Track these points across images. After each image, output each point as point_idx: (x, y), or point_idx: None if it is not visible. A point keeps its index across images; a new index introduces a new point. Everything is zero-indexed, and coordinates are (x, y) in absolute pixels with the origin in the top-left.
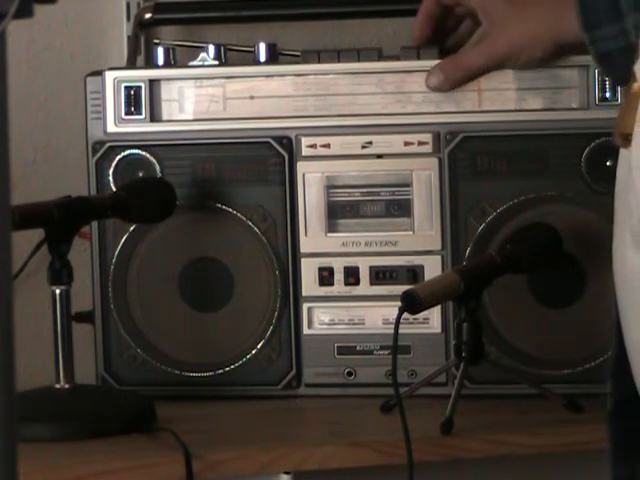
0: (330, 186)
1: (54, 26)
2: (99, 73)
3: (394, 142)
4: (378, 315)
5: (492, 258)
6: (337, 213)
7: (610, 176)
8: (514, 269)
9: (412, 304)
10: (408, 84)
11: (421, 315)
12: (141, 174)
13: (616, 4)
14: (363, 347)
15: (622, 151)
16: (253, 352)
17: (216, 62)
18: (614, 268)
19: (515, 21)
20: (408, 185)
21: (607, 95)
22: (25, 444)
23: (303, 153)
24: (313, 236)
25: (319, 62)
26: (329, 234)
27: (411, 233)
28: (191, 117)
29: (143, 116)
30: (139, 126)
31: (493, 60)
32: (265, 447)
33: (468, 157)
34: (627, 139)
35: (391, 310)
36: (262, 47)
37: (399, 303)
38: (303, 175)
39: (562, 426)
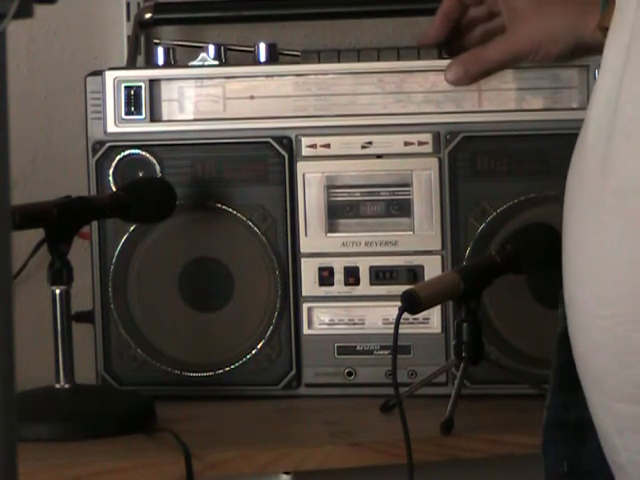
0: (330, 186)
1: (54, 26)
2: (99, 73)
3: (394, 142)
4: (378, 315)
5: (492, 258)
6: (337, 213)
7: None
8: (514, 269)
9: (412, 304)
10: (408, 84)
11: (421, 315)
12: (141, 174)
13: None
14: (363, 347)
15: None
16: (253, 352)
17: (216, 62)
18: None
19: (537, 17)
20: (408, 185)
21: None
22: (25, 444)
23: (303, 153)
24: (313, 236)
25: (319, 62)
26: (329, 234)
27: (411, 233)
28: (191, 117)
29: (143, 116)
30: (139, 126)
31: (512, 55)
32: (265, 447)
33: (468, 157)
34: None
35: (391, 310)
36: (262, 47)
37: (399, 303)
38: (303, 175)
39: None
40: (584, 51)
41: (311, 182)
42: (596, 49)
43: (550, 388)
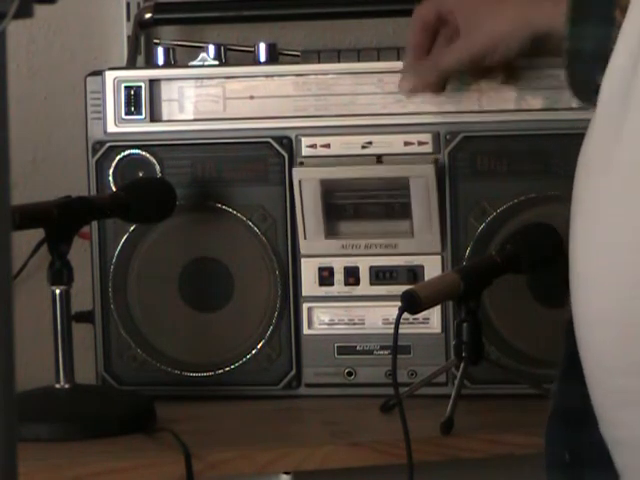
0: (330, 188)
1: (54, 26)
2: (99, 73)
3: (394, 142)
4: (378, 315)
5: (492, 258)
6: (336, 215)
7: None
8: (514, 269)
9: (412, 304)
10: None
11: (421, 315)
12: (141, 174)
13: (611, 10)
14: (363, 347)
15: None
16: (253, 352)
17: (216, 62)
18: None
19: (489, 19)
20: (408, 186)
21: None
22: (25, 444)
23: (303, 153)
24: (312, 239)
25: (319, 62)
26: (328, 236)
27: (411, 235)
28: (191, 117)
29: (143, 116)
30: (139, 126)
31: (469, 56)
32: (265, 447)
33: (468, 157)
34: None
35: (391, 310)
36: (262, 47)
37: (399, 303)
38: (300, 181)
39: None
40: (545, 46)
41: (310, 185)
42: (557, 43)
43: (558, 374)
